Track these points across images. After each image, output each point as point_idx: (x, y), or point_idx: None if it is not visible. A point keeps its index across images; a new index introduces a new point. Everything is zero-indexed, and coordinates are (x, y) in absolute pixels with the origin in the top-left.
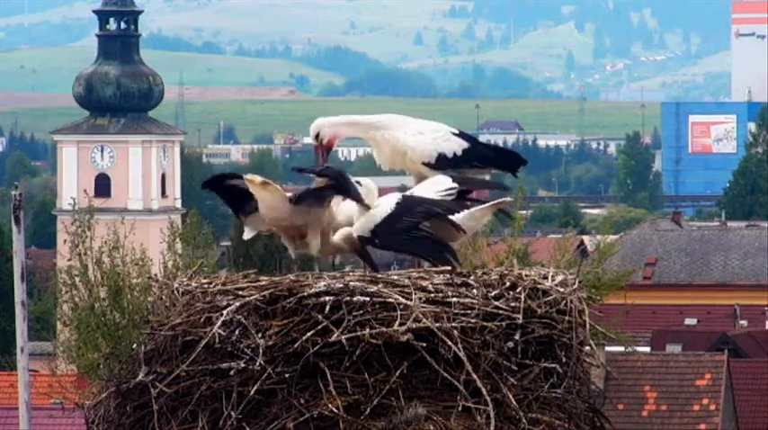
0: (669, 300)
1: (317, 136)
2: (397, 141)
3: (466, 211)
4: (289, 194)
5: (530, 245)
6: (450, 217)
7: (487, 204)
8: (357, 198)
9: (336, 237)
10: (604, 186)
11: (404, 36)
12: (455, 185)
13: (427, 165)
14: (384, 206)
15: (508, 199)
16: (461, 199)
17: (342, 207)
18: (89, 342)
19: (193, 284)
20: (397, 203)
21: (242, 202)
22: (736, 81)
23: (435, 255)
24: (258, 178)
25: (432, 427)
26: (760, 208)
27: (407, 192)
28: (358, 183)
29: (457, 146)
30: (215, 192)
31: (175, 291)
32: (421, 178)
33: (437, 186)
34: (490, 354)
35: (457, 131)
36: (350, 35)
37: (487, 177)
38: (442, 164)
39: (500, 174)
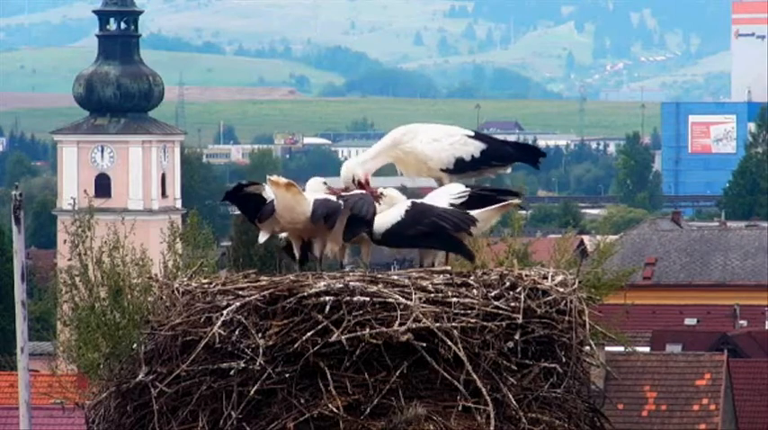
0: (669, 300)
1: (352, 179)
2: (416, 152)
3: (473, 212)
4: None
5: (530, 245)
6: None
7: (495, 206)
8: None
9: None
10: (604, 186)
11: (404, 36)
12: (467, 190)
13: (446, 170)
14: (393, 214)
15: (515, 200)
16: (473, 201)
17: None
18: (89, 342)
19: (193, 284)
20: (406, 211)
21: (257, 208)
22: (736, 81)
23: (447, 246)
24: (283, 180)
25: (432, 427)
26: (760, 208)
27: (418, 200)
28: (382, 194)
29: (474, 148)
30: (234, 203)
31: (175, 291)
32: (441, 183)
33: (450, 190)
34: (490, 354)
35: (473, 133)
36: (350, 35)
37: (509, 170)
38: (461, 168)
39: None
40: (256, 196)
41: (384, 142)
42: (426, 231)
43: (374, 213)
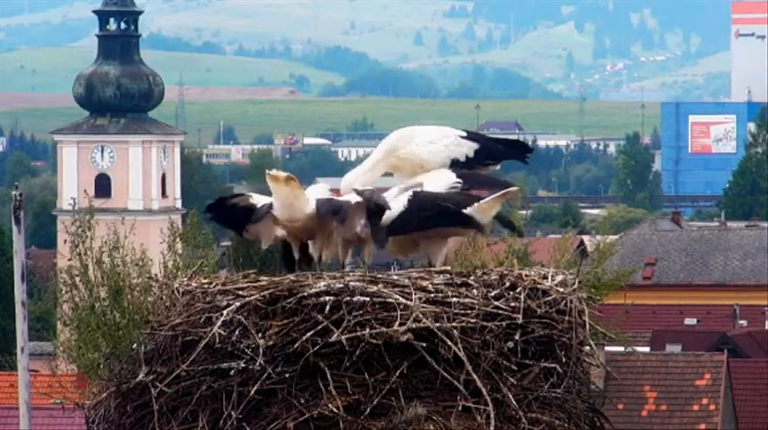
0: (669, 300)
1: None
2: (413, 156)
3: (474, 205)
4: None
5: (530, 245)
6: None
7: (494, 195)
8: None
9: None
10: (604, 186)
11: (404, 36)
12: (459, 181)
13: None
14: (397, 204)
15: (514, 188)
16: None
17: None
18: (89, 342)
19: (193, 284)
20: (409, 200)
21: (243, 219)
22: (736, 81)
23: (455, 221)
24: (283, 173)
25: (432, 427)
26: (760, 208)
27: (417, 188)
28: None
29: (468, 148)
30: (217, 217)
31: (175, 291)
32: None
33: (444, 181)
34: (490, 354)
35: (465, 133)
36: (350, 35)
37: (498, 167)
38: (456, 168)
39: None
40: (242, 208)
41: (380, 150)
42: (432, 215)
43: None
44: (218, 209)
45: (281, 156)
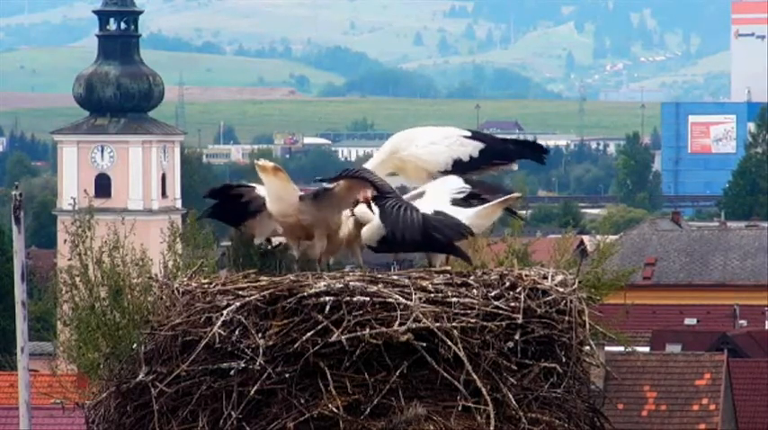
0: (669, 300)
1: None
2: (415, 158)
3: (474, 209)
4: (300, 193)
5: (530, 245)
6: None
7: (495, 202)
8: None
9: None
10: (604, 186)
11: (404, 36)
12: (467, 186)
13: (445, 173)
14: (384, 223)
15: (515, 194)
16: (470, 199)
17: (350, 220)
18: (89, 342)
19: (193, 284)
20: (399, 220)
21: (242, 211)
22: (736, 81)
23: (443, 248)
24: (270, 163)
25: (432, 427)
26: (760, 208)
27: (413, 199)
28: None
29: (472, 148)
30: (215, 213)
31: (175, 291)
32: None
33: (449, 186)
34: (490, 354)
35: (470, 133)
36: (350, 35)
37: (515, 167)
38: (459, 169)
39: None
40: (243, 202)
41: (382, 151)
42: (419, 240)
43: None
44: (220, 196)
45: (281, 156)
